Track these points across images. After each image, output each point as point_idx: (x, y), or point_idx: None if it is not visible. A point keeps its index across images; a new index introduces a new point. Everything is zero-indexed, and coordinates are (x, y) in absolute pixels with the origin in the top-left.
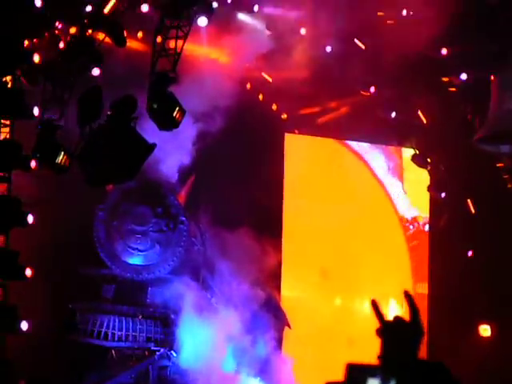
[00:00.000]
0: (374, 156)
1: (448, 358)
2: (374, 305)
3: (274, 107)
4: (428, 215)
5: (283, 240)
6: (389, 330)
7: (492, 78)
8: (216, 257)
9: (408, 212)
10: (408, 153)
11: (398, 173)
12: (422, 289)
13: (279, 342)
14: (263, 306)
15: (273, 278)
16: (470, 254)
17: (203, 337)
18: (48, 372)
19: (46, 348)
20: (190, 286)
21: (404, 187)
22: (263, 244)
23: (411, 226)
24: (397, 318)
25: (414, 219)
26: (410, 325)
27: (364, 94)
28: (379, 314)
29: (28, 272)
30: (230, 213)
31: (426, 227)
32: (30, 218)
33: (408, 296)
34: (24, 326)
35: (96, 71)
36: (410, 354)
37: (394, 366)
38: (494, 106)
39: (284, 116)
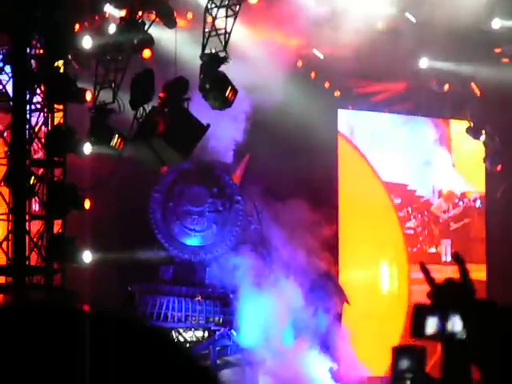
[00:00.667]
0: (425, 129)
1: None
2: (424, 269)
3: (327, 85)
4: (479, 191)
5: (339, 212)
6: (440, 293)
7: None
8: (272, 231)
9: (458, 187)
10: (457, 125)
11: (447, 145)
12: (477, 271)
13: (338, 317)
14: (322, 278)
15: (330, 250)
16: None
17: (263, 314)
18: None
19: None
20: (248, 265)
21: (453, 161)
22: (318, 216)
23: (461, 202)
24: (448, 280)
25: (464, 195)
26: (461, 285)
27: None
28: (429, 278)
29: (87, 256)
30: (285, 188)
31: (478, 203)
32: (87, 203)
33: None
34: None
35: (147, 53)
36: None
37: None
38: None
39: (337, 93)
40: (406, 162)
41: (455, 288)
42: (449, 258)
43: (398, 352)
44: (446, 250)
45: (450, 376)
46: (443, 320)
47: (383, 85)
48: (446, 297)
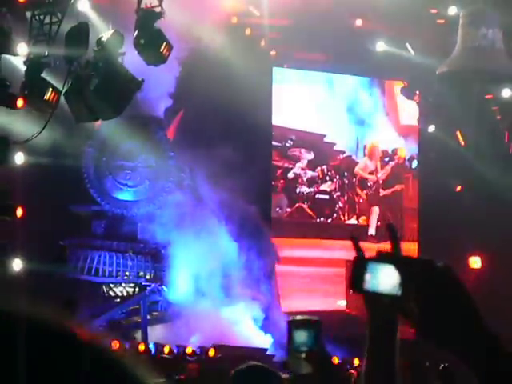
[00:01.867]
0: (359, 88)
1: None
2: (354, 239)
3: (263, 43)
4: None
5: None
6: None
7: (461, 14)
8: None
9: (389, 143)
10: (392, 86)
11: (382, 105)
12: (412, 223)
13: (270, 275)
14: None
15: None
16: (458, 188)
17: (194, 267)
18: (42, 309)
19: (38, 286)
20: (180, 218)
21: (386, 119)
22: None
23: (391, 162)
24: (379, 253)
25: (396, 152)
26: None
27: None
28: (358, 249)
29: (19, 211)
30: (217, 141)
31: (414, 163)
32: (20, 157)
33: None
34: (17, 265)
35: (83, 5)
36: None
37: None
38: (460, 41)
39: (273, 52)
40: (328, 115)
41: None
42: (374, 232)
43: (293, 325)
44: (371, 221)
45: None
46: (386, 272)
47: (318, 43)
48: None
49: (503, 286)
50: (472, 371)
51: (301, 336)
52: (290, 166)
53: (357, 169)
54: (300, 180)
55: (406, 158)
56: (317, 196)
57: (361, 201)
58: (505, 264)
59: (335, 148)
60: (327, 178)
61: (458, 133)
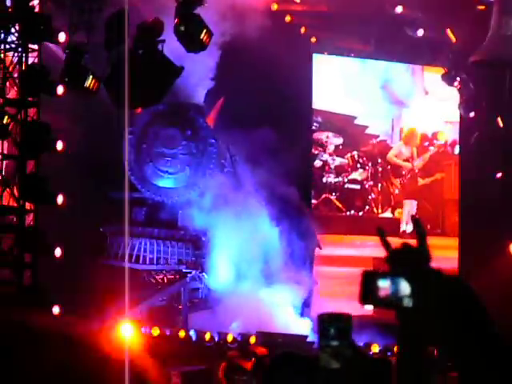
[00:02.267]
0: (398, 74)
1: (479, 277)
2: (381, 233)
3: (303, 30)
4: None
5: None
6: (396, 257)
7: (494, 1)
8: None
9: (429, 126)
10: (432, 72)
11: (420, 90)
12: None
13: (310, 261)
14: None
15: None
16: (499, 175)
17: (235, 255)
18: (81, 296)
19: (78, 273)
20: (221, 205)
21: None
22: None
23: (432, 148)
24: (404, 245)
25: (436, 136)
26: (417, 250)
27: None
28: (385, 242)
29: (60, 198)
30: (257, 129)
31: (456, 149)
32: (60, 144)
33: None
34: (57, 252)
35: None
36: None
37: (404, 268)
38: (493, 30)
39: (313, 39)
40: (360, 94)
41: (410, 253)
42: (410, 228)
43: (323, 319)
44: (408, 216)
45: (401, 347)
46: (394, 285)
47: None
48: (401, 262)
49: None
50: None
51: (331, 331)
52: (316, 152)
53: (390, 155)
54: (327, 168)
55: (447, 143)
56: (346, 186)
57: (396, 191)
58: None
59: (367, 131)
60: (358, 165)
61: (499, 119)
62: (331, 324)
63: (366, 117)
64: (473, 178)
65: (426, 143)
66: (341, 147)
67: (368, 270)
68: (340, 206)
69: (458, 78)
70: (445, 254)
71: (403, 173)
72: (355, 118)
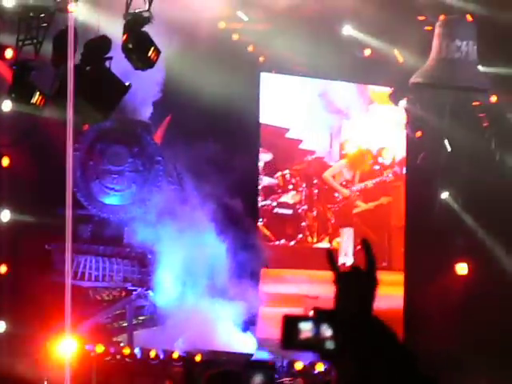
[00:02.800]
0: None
1: (425, 296)
2: (330, 255)
3: (251, 48)
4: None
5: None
6: (343, 280)
7: (436, 24)
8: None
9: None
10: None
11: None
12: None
13: (257, 278)
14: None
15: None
16: (445, 195)
17: (181, 272)
18: (27, 313)
19: (24, 289)
20: (168, 222)
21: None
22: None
23: (376, 167)
24: (353, 268)
25: (380, 153)
26: (366, 274)
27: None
28: (333, 264)
29: (4, 215)
30: (205, 148)
31: (404, 169)
32: (5, 160)
33: (366, 244)
34: (2, 269)
35: (71, 10)
36: (359, 303)
37: (329, 314)
38: (434, 53)
39: (261, 58)
40: (302, 111)
41: (360, 277)
42: (350, 260)
43: (251, 366)
44: (346, 246)
45: None
46: (315, 327)
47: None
48: (350, 284)
49: (490, 291)
50: None
51: (256, 378)
52: None
53: (326, 174)
54: None
55: (395, 161)
56: (276, 210)
57: (331, 217)
58: (492, 270)
59: (301, 146)
60: (290, 186)
61: (446, 142)
62: (257, 370)
63: (300, 129)
64: (419, 200)
65: (371, 161)
66: (270, 164)
67: (288, 314)
68: (268, 233)
69: (405, 98)
70: (392, 290)
71: (339, 197)
72: (287, 130)
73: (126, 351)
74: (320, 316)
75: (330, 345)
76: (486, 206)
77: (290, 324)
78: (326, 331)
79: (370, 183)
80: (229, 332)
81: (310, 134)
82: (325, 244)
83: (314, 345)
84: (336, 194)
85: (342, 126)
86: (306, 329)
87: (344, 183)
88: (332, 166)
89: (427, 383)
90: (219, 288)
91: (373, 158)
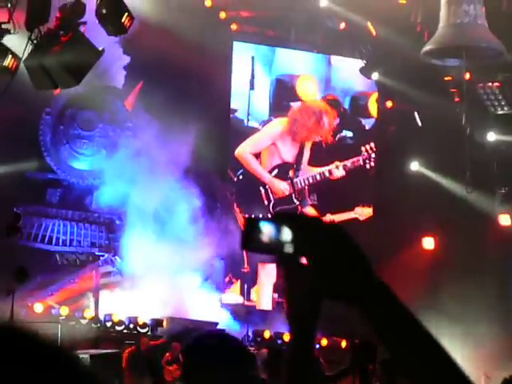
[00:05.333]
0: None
1: (393, 269)
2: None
3: (223, 15)
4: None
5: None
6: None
7: None
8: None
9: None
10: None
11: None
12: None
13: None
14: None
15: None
16: (414, 167)
17: (148, 241)
18: None
19: None
20: (136, 191)
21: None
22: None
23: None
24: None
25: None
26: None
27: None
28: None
29: None
30: (175, 115)
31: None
32: None
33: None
34: None
35: None
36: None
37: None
38: (443, 20)
39: (234, 26)
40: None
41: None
42: None
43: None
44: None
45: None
46: (276, 230)
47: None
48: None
49: (455, 265)
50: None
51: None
52: None
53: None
54: None
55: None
56: None
57: None
58: (458, 244)
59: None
60: None
61: (416, 113)
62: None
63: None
64: (389, 168)
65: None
66: None
67: (251, 216)
68: None
69: (376, 71)
70: None
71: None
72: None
73: (91, 316)
74: (281, 218)
75: (288, 248)
76: (453, 176)
77: (251, 225)
78: (287, 234)
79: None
80: (195, 300)
81: None
82: None
83: (273, 247)
84: None
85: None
86: (266, 231)
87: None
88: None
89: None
90: (187, 253)
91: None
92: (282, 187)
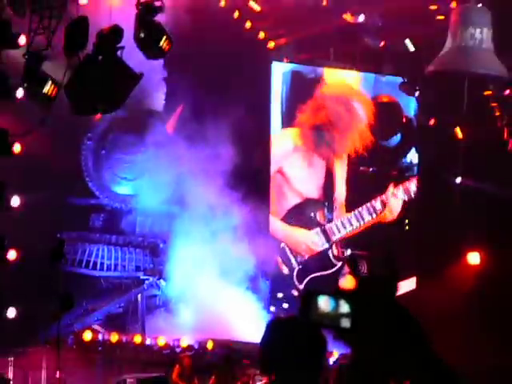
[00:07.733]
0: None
1: (437, 283)
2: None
3: (262, 35)
4: None
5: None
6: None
7: (452, 14)
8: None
9: None
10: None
11: None
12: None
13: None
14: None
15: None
16: (458, 180)
17: (192, 263)
18: (36, 302)
19: (34, 277)
20: (181, 214)
21: None
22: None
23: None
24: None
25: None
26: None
27: (350, 20)
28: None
29: (15, 201)
30: (216, 138)
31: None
32: (17, 147)
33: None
34: (12, 255)
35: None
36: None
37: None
38: (450, 41)
39: (271, 45)
40: None
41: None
42: None
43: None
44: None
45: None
46: (334, 303)
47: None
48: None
49: (502, 281)
50: None
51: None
52: None
53: None
54: None
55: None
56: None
57: None
58: (504, 259)
59: None
60: None
61: (458, 129)
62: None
63: None
64: (432, 186)
65: None
66: None
67: (310, 288)
68: None
69: (417, 88)
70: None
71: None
72: None
73: (138, 340)
74: (340, 293)
75: (345, 322)
76: (496, 195)
77: (310, 297)
78: (344, 308)
79: None
80: (241, 320)
81: None
82: None
83: (330, 321)
84: None
85: None
86: (323, 304)
87: None
88: None
89: (447, 374)
90: (231, 276)
91: None
92: (309, 241)
